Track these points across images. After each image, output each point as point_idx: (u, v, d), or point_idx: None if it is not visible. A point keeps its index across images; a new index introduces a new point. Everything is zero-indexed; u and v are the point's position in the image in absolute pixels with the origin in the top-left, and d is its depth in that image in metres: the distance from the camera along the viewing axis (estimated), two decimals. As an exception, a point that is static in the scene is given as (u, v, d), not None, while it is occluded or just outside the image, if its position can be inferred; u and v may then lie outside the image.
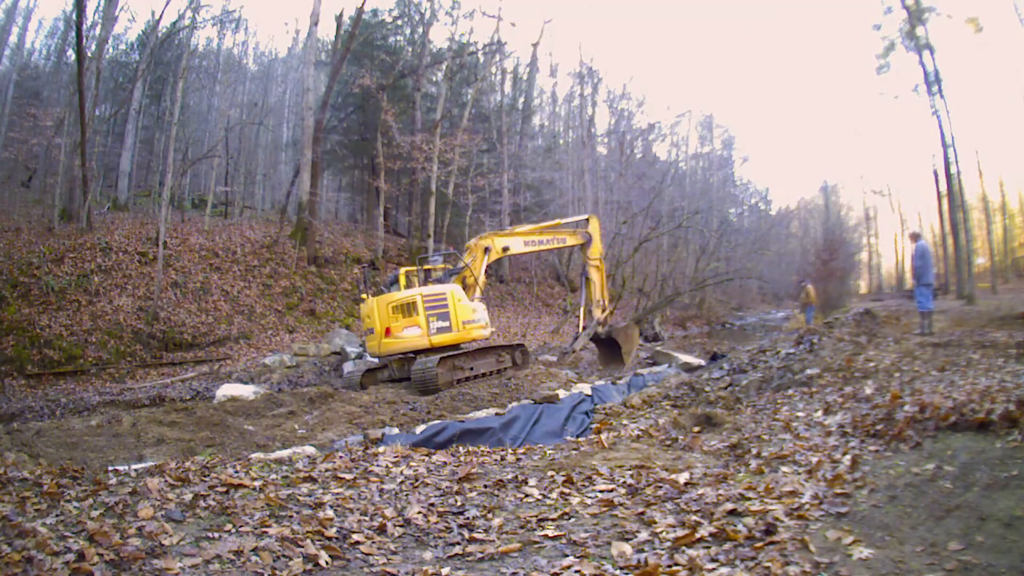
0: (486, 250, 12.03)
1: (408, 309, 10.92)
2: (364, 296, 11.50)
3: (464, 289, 11.65)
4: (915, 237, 10.48)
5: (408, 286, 11.39)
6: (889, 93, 43.03)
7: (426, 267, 11.90)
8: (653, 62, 71.81)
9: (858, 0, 52.27)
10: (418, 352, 10.87)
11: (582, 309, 13.65)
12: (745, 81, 79.03)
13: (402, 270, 11.62)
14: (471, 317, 11.43)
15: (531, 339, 18.84)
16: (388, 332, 10.86)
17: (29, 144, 19.26)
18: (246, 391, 10.00)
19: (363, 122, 25.94)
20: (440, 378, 10.08)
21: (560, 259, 30.61)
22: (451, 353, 10.72)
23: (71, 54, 21.39)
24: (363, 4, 20.87)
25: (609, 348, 13.43)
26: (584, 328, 13.50)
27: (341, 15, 23.07)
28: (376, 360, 11.89)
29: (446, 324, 11.01)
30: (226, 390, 9.94)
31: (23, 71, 27.52)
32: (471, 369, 10.95)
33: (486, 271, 12.48)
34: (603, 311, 13.46)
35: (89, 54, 17.76)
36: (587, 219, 13.71)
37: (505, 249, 12.42)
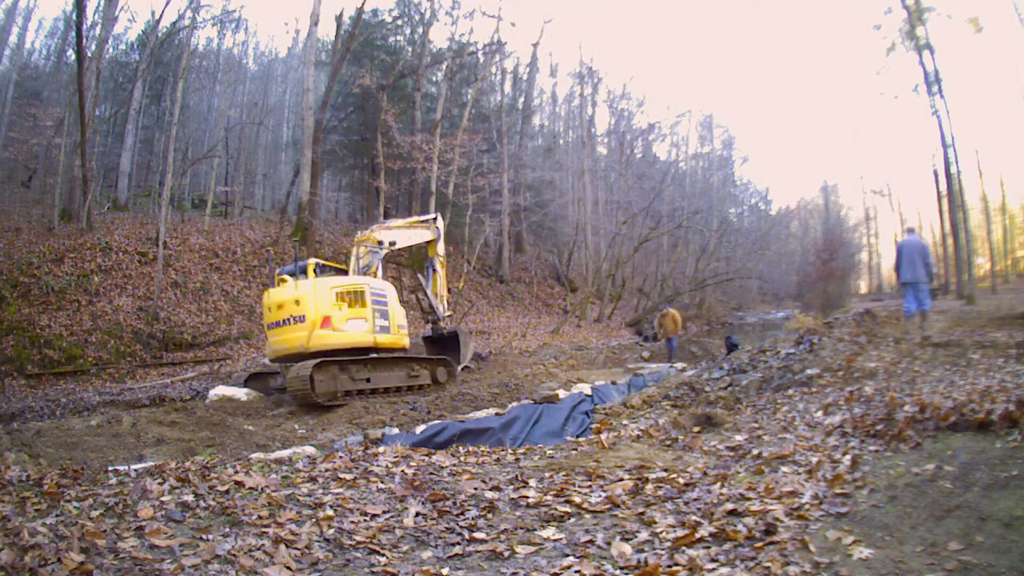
0: (379, 243, 10.93)
1: (355, 298, 9.38)
2: (282, 278, 9.65)
3: None
4: (906, 232, 9.81)
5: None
6: (889, 93, 43.02)
7: (315, 261, 10.25)
8: (653, 62, 71.84)
9: (858, 0, 52.21)
10: (357, 350, 9.37)
11: (423, 305, 12.61)
12: (745, 81, 79.10)
13: (312, 260, 9.99)
14: (402, 321, 10.43)
15: (531, 339, 18.85)
16: (327, 322, 8.93)
17: (29, 144, 19.28)
18: (239, 392, 9.80)
19: (363, 122, 25.94)
20: (319, 387, 8.46)
21: (560, 259, 30.62)
22: (339, 359, 8.99)
23: (71, 54, 21.40)
24: (363, 4, 20.89)
25: (442, 347, 12.47)
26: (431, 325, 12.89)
27: (341, 15, 23.11)
28: (268, 362, 10.29)
29: (386, 324, 9.70)
30: (219, 391, 9.67)
31: (23, 71, 27.53)
32: (367, 381, 9.24)
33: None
34: (445, 308, 13.12)
35: (89, 54, 17.76)
36: (437, 216, 13.65)
37: (392, 244, 11.41)
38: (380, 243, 10.90)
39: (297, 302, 9.17)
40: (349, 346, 9.25)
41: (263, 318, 10.41)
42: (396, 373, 9.82)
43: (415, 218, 13.89)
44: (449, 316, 13.48)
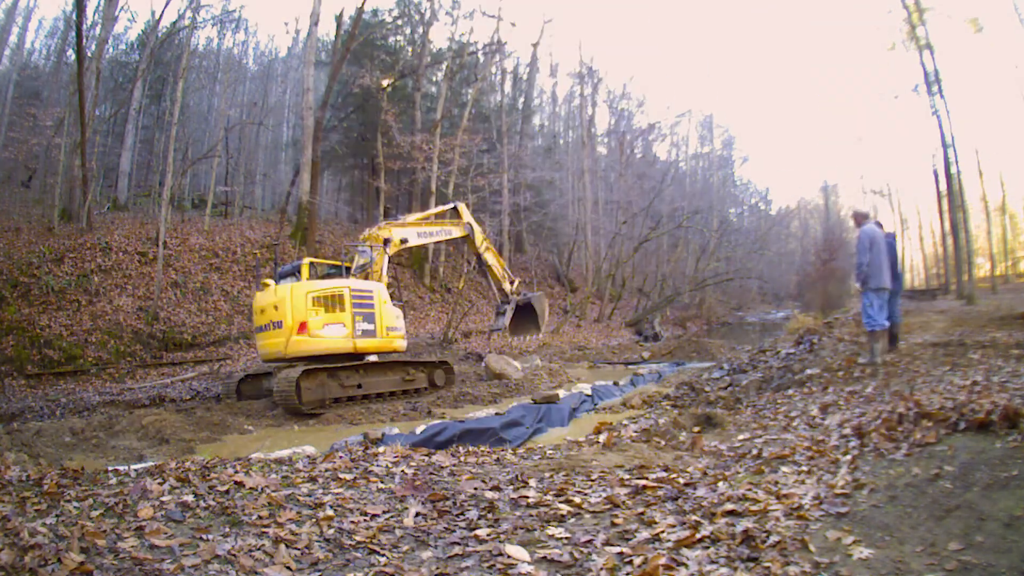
0: (385, 242, 10.78)
1: (333, 302, 9.15)
2: (265, 283, 9.67)
3: None
4: (860, 219, 7.02)
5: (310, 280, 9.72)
6: (889, 93, 43.09)
7: (309, 260, 10.11)
8: (653, 62, 71.92)
9: (858, 0, 52.23)
10: (337, 356, 9.23)
11: (494, 291, 13.95)
12: (745, 81, 79.09)
13: (306, 260, 9.82)
14: (394, 323, 10.05)
15: (530, 339, 18.85)
16: (303, 328, 8.80)
17: (29, 144, 19.27)
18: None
19: (363, 122, 25.95)
20: (306, 394, 8.42)
21: (560, 259, 30.63)
22: (328, 365, 8.94)
23: (71, 54, 21.40)
24: (363, 4, 20.87)
25: (523, 316, 13.85)
26: (502, 306, 13.80)
27: (341, 15, 23.09)
28: (264, 364, 10.07)
29: (371, 327, 9.46)
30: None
31: (23, 71, 27.53)
32: (358, 387, 9.18)
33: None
34: (511, 284, 13.91)
35: (89, 54, 17.76)
36: (455, 208, 13.24)
37: (403, 241, 11.34)
38: (386, 241, 10.80)
39: (276, 307, 9.09)
40: (327, 352, 9.07)
41: (252, 322, 10.50)
42: (390, 378, 9.69)
43: (433, 210, 13.74)
44: (516, 285, 14.20)
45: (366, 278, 10.29)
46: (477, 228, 13.28)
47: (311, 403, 8.44)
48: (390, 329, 9.86)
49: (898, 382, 5.61)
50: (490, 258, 13.45)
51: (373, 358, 9.91)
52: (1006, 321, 9.83)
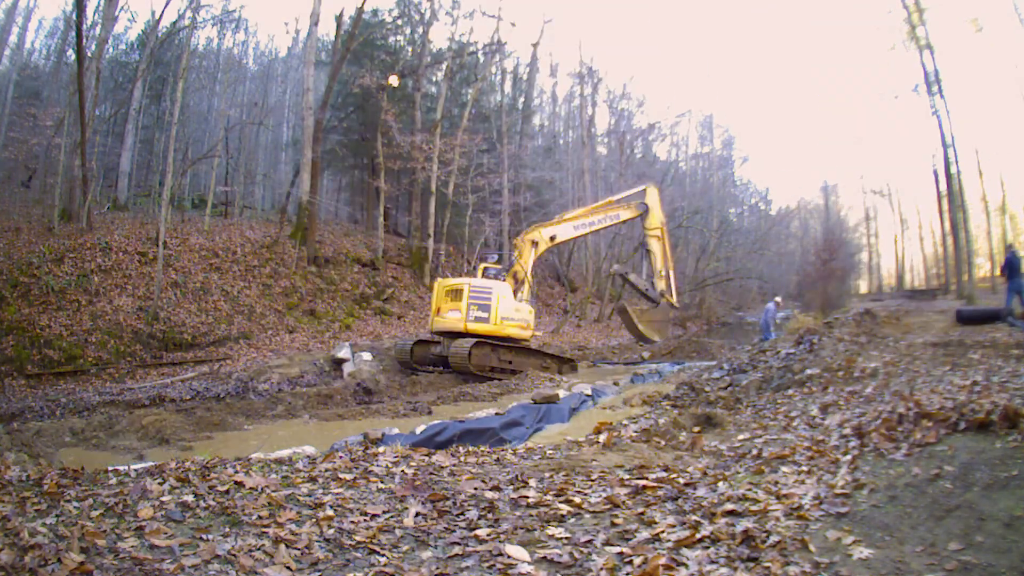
0: (533, 244, 12.85)
1: (457, 294, 12.23)
2: (442, 279, 13.26)
3: (516, 287, 12.65)
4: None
5: (491, 274, 12.74)
6: (889, 93, 43.09)
7: (484, 265, 13.27)
8: (653, 62, 71.91)
9: (858, 1, 52.24)
10: (456, 334, 11.98)
11: (635, 283, 14.54)
12: (745, 81, 78.99)
13: (482, 264, 13.20)
14: (511, 315, 12.37)
15: (542, 336, 18.84)
16: (439, 311, 12.43)
17: (29, 144, 19.26)
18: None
19: (363, 122, 25.95)
20: (473, 359, 11.24)
21: (560, 259, 30.62)
22: (489, 341, 11.91)
23: (71, 54, 21.39)
24: (363, 4, 20.89)
25: (653, 317, 14.49)
26: (652, 290, 14.02)
27: (341, 15, 23.08)
28: (431, 335, 13.24)
29: (484, 315, 12.07)
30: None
31: (23, 71, 27.53)
32: (509, 363, 12.06)
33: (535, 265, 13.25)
34: (665, 282, 13.90)
35: (89, 54, 17.76)
36: (644, 190, 13.88)
37: (552, 238, 13.15)
38: (535, 243, 12.79)
39: (434, 296, 12.98)
40: (448, 329, 12.18)
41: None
42: (531, 360, 12.44)
43: (619, 195, 14.47)
44: (662, 294, 13.82)
45: (513, 277, 12.66)
46: (657, 211, 13.54)
47: (478, 367, 11.27)
48: (505, 319, 12.10)
49: (898, 382, 5.61)
50: (655, 246, 13.65)
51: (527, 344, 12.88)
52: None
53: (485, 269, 13.03)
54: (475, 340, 11.45)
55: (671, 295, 13.88)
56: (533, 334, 13.27)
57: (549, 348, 16.60)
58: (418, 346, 12.91)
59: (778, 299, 14.89)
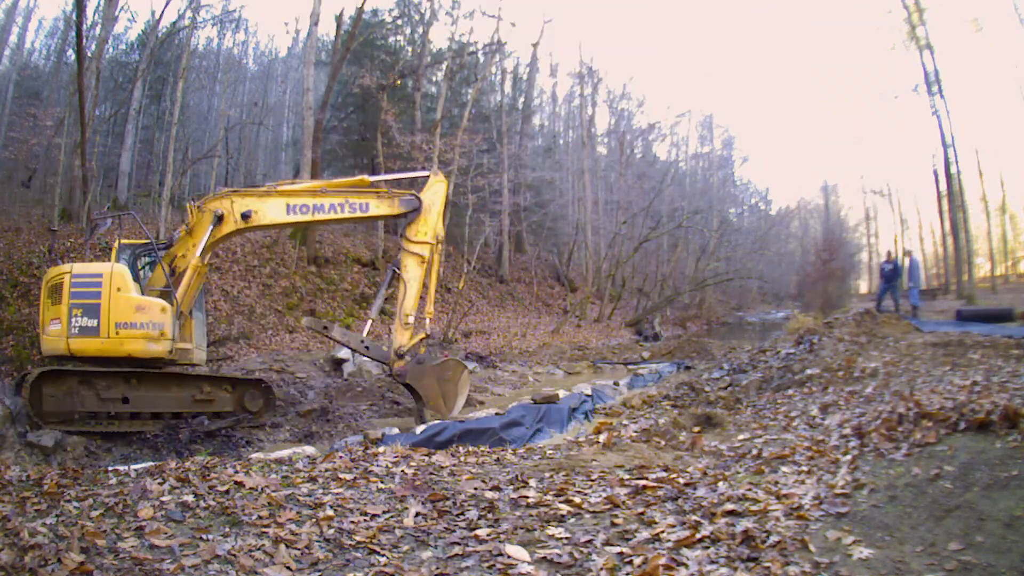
0: (217, 219, 7.49)
1: (56, 293, 7.08)
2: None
3: (171, 277, 7.43)
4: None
5: (128, 257, 7.64)
6: (889, 93, 43.10)
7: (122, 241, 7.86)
8: (653, 62, 71.88)
9: (858, 1, 52.26)
10: (61, 358, 7.11)
11: (373, 310, 9.06)
12: (745, 81, 79.02)
13: (117, 241, 7.80)
14: (131, 319, 6.99)
15: (531, 339, 18.85)
16: (41, 323, 7.35)
17: (29, 144, 19.26)
18: None
19: (363, 122, 25.94)
20: (47, 402, 6.51)
21: (560, 259, 30.62)
22: (82, 369, 6.87)
23: (71, 54, 21.39)
24: (363, 4, 20.86)
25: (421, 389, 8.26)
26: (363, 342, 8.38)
27: (341, 15, 23.07)
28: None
29: (93, 323, 6.91)
30: None
31: (23, 71, 27.53)
32: (125, 401, 6.92)
33: (214, 250, 8.48)
34: (410, 333, 7.84)
35: (89, 54, 17.75)
36: (428, 176, 8.48)
37: (246, 217, 7.52)
38: (219, 218, 7.55)
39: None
40: (48, 354, 7.34)
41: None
42: (172, 394, 7.32)
43: (375, 178, 8.71)
44: (416, 341, 7.96)
45: (171, 260, 7.66)
46: (433, 216, 8.05)
47: (56, 415, 6.63)
48: (121, 326, 7.03)
49: (898, 382, 5.61)
50: (412, 269, 7.98)
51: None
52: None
53: (121, 246, 7.69)
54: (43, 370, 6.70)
55: (422, 346, 8.17)
56: (191, 351, 7.85)
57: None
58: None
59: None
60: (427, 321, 8.32)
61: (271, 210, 7.82)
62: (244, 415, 7.64)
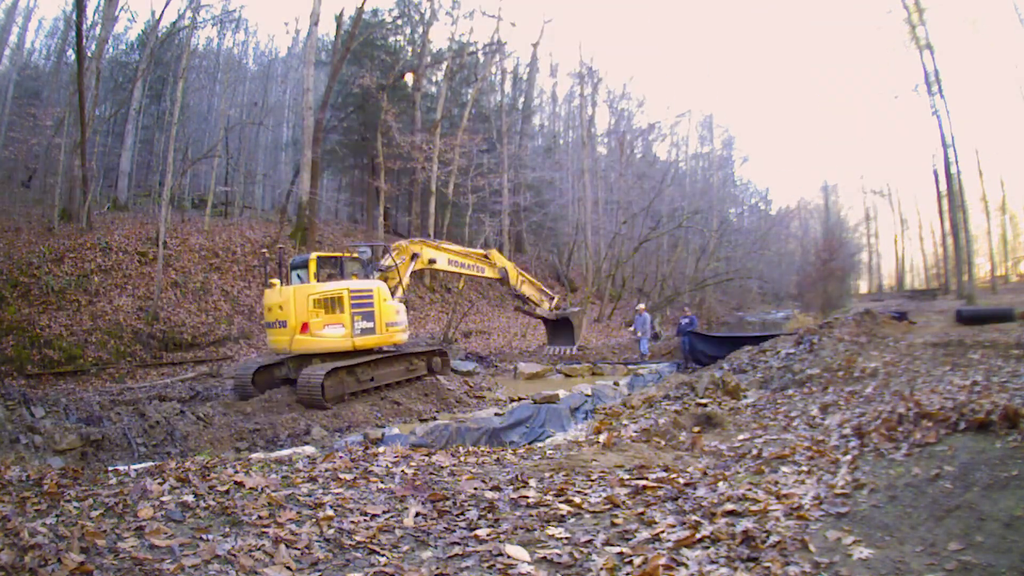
0: (414, 256, 11.58)
1: (333, 304, 9.48)
2: (274, 282, 10.05)
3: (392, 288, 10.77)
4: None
5: (317, 274, 10.01)
6: (889, 93, 43.16)
7: (352, 255, 10.51)
8: (653, 62, 71.90)
9: (858, 1, 52.27)
10: (336, 354, 9.55)
11: (533, 313, 15.26)
12: (745, 81, 78.99)
13: (313, 255, 10.19)
14: (394, 319, 10.19)
15: (531, 339, 18.85)
16: (305, 328, 9.28)
17: (29, 144, 19.27)
18: None
19: (363, 122, 25.95)
20: (328, 391, 8.88)
21: (560, 259, 30.63)
22: (346, 363, 9.36)
23: (71, 54, 21.39)
24: (363, 4, 20.87)
25: (558, 327, 15.63)
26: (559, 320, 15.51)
27: (341, 15, 23.09)
28: (275, 356, 10.42)
29: (370, 325, 9.73)
30: None
31: (23, 71, 27.54)
32: (371, 380, 9.71)
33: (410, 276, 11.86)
34: (551, 301, 15.33)
35: (89, 54, 17.76)
36: (486, 255, 13.83)
37: (432, 262, 12.14)
38: (414, 256, 11.57)
39: (281, 307, 9.55)
40: (327, 350, 9.53)
41: (263, 317, 11.33)
42: (396, 368, 10.40)
43: (474, 250, 14.32)
44: (556, 307, 15.61)
45: (384, 279, 10.64)
46: (510, 267, 14.11)
47: (333, 399, 9.04)
48: (390, 324, 10.14)
49: (898, 382, 5.61)
50: (527, 290, 14.53)
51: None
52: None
53: (341, 262, 10.44)
54: (330, 367, 9.08)
55: (553, 306, 15.46)
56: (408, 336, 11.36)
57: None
58: (260, 373, 10.06)
59: (640, 306, 16.48)
60: (553, 298, 15.66)
61: (441, 260, 12.33)
62: (430, 376, 10.91)
